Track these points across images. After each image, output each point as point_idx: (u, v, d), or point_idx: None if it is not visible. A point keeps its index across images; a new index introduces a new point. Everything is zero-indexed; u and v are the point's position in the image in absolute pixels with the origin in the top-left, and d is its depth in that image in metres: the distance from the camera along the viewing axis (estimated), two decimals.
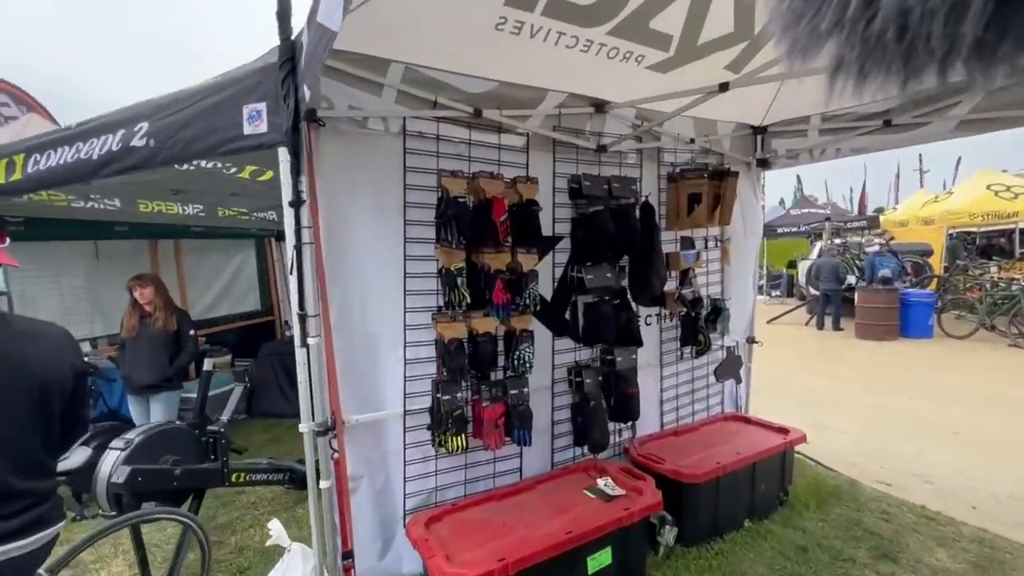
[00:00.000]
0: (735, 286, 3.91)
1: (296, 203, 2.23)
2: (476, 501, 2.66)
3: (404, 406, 2.55)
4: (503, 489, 2.78)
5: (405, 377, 2.54)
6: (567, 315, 3.04)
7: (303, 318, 2.27)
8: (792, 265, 15.02)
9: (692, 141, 3.47)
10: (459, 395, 2.53)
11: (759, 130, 3.79)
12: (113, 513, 2.67)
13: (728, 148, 3.72)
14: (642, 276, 3.14)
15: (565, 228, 2.99)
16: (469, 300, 2.50)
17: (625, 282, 3.17)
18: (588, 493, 2.68)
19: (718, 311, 3.62)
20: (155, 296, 3.78)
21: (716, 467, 2.94)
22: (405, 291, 2.51)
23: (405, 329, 2.52)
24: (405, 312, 2.52)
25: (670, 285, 3.41)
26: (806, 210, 15.53)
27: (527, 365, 2.68)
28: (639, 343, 3.17)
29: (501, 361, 2.73)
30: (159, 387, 3.74)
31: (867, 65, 0.32)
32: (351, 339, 2.40)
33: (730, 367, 3.73)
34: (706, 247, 3.72)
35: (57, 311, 4.65)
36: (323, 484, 2.29)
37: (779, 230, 14.21)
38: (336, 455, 2.29)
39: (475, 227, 2.46)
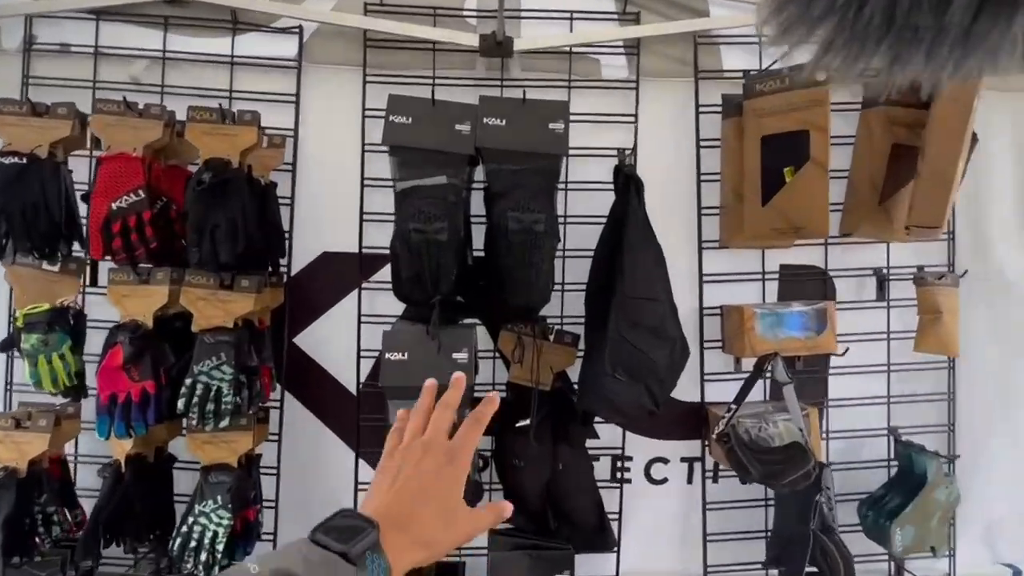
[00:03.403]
0: (991, 409, 1.36)
1: None
2: None
3: None
4: None
5: None
6: None
7: None
8: None
9: None
10: None
11: None
12: None
13: None
14: (590, 359, 1.16)
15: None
16: (68, 384, 1.11)
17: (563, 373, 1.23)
18: None
19: (913, 484, 1.22)
20: None
21: None
22: None
23: None
24: None
25: (711, 390, 1.26)
26: None
27: (207, 555, 1.09)
28: (582, 543, 1.17)
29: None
30: None
31: (855, 50, 0.33)
32: None
33: None
34: (884, 292, 1.36)
35: None
36: None
37: None
38: None
39: (32, 220, 1.07)
